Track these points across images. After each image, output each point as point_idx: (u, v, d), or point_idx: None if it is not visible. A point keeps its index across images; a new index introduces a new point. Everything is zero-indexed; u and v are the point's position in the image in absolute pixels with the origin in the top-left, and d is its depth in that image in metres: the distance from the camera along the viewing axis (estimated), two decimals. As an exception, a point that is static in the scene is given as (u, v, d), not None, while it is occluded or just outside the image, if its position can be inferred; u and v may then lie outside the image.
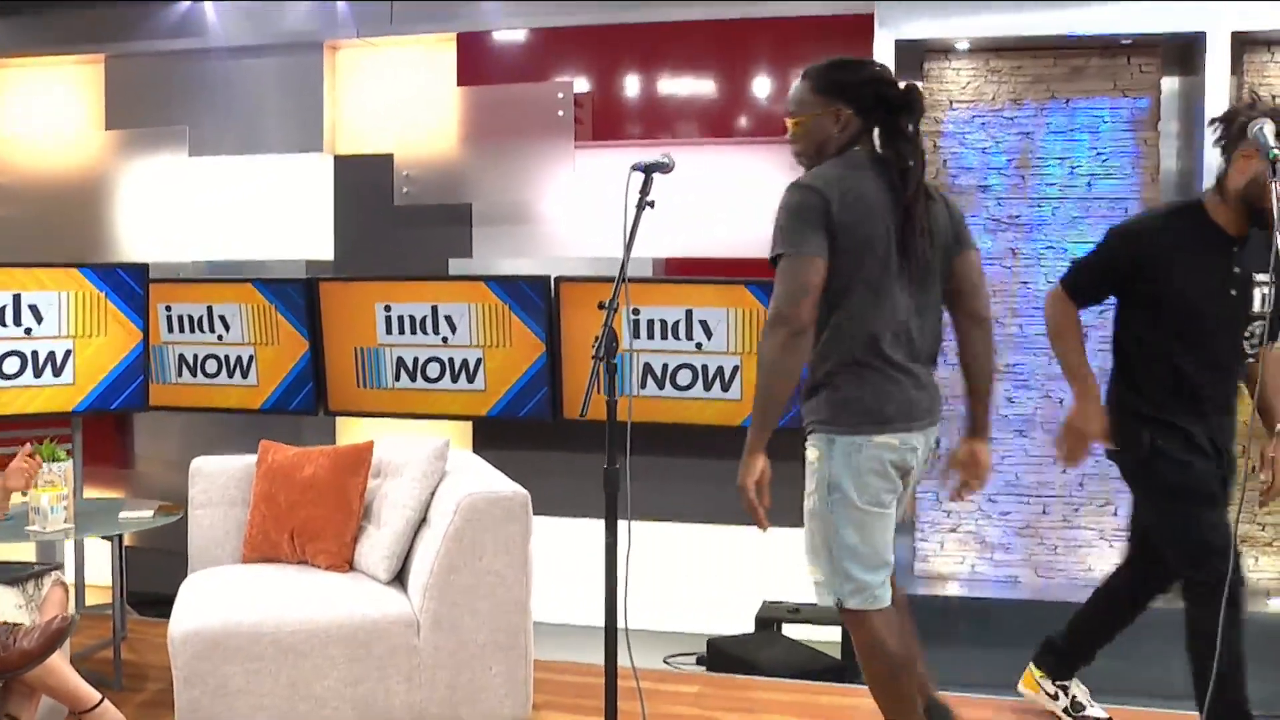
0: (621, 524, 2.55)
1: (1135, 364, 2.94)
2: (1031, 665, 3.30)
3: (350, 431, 5.20)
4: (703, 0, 4.77)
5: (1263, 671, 2.93)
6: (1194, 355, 2.82)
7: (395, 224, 5.18)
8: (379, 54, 5.25)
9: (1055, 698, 3.24)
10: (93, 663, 3.79)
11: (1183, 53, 4.52)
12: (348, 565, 3.34)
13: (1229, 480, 2.92)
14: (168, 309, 5.08)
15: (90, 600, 4.62)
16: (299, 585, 3.18)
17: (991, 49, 4.62)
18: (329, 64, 5.26)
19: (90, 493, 5.13)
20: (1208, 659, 2.63)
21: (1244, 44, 4.38)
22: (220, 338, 5.06)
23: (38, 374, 4.41)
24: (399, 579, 3.26)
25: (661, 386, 4.56)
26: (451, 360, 4.80)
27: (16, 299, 4.37)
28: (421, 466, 3.30)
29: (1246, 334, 2.84)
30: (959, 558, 4.74)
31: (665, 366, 4.55)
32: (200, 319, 5.07)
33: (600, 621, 2.59)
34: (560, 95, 4.90)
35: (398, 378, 4.87)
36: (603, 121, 4.97)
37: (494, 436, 4.96)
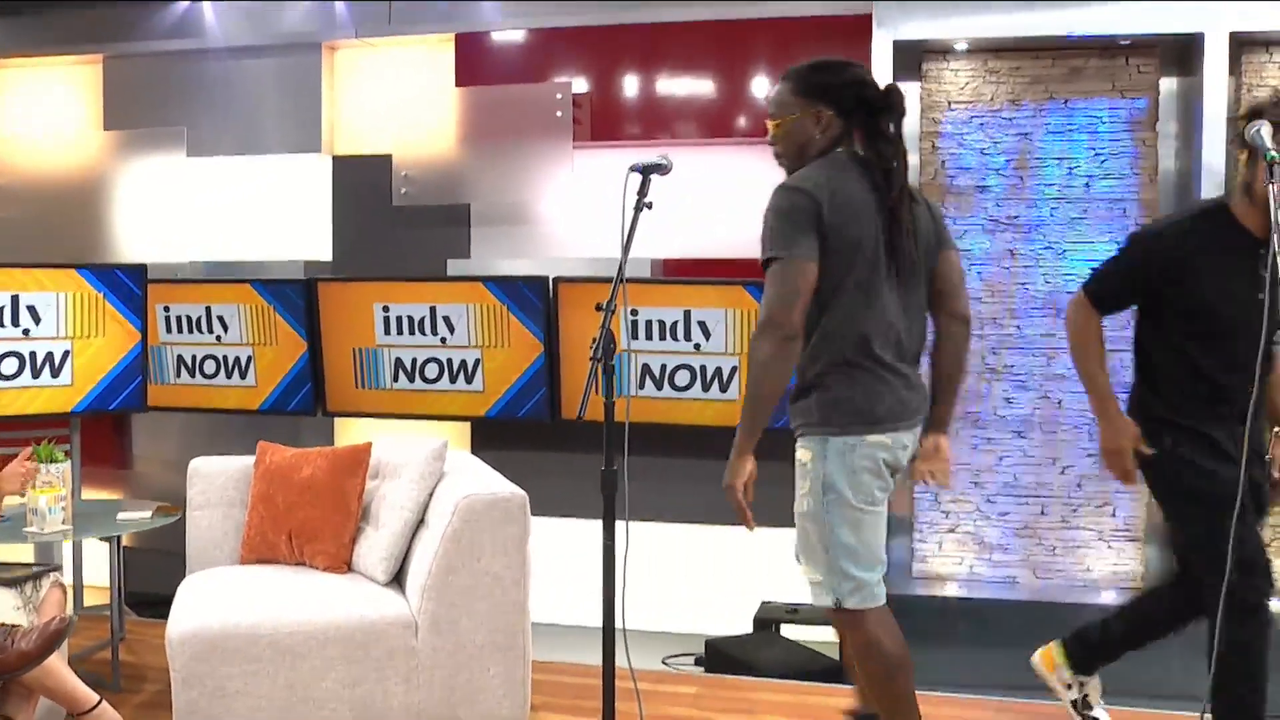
0: (619, 524, 2.55)
1: (1158, 369, 2.84)
2: (1056, 646, 3.16)
3: (349, 432, 5.20)
4: (701, 1, 4.77)
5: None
6: (1220, 360, 2.71)
7: (394, 224, 5.18)
8: (377, 54, 5.25)
9: (1068, 687, 3.12)
10: (91, 664, 3.79)
11: (1181, 53, 4.52)
12: (346, 566, 3.34)
13: (1262, 488, 2.81)
14: (166, 310, 5.07)
15: (88, 601, 4.62)
16: (297, 586, 3.18)
17: (990, 49, 4.62)
18: (327, 64, 5.26)
19: (88, 494, 5.13)
20: (1230, 674, 2.57)
21: (1242, 44, 4.38)
22: (218, 338, 5.06)
23: (36, 375, 4.41)
24: (397, 580, 3.26)
25: (660, 387, 4.56)
26: (450, 361, 4.80)
27: (15, 300, 4.36)
28: (419, 468, 3.30)
29: (1277, 339, 2.75)
30: (957, 558, 4.74)
31: (663, 367, 4.55)
32: (198, 320, 5.06)
33: (599, 622, 2.59)
34: (559, 96, 4.91)
35: (396, 378, 4.87)
36: (601, 122, 4.97)
37: (492, 437, 4.96)
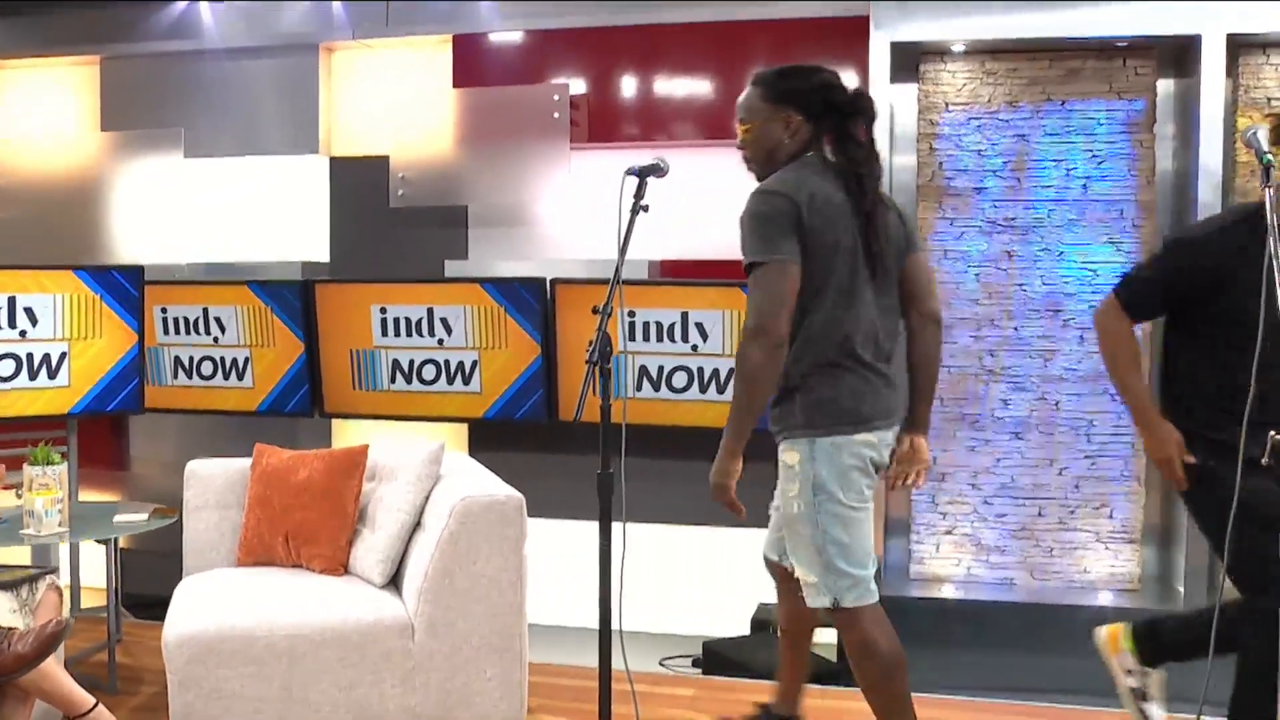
0: (616, 526, 2.56)
1: (1186, 379, 2.75)
2: (1126, 630, 3.00)
3: (346, 433, 5.19)
4: (698, 2, 4.76)
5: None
6: (1258, 368, 2.52)
7: (391, 226, 5.18)
8: (375, 55, 5.25)
9: (1129, 673, 2.96)
10: (87, 666, 3.79)
11: (1178, 55, 4.53)
12: (342, 569, 3.34)
13: None
14: (163, 311, 5.07)
15: (85, 603, 4.62)
16: (294, 589, 3.17)
17: (987, 51, 4.62)
18: (325, 65, 5.26)
19: (85, 495, 5.13)
20: (1251, 688, 2.53)
21: (1239, 46, 4.38)
22: (216, 340, 5.05)
23: (33, 376, 4.40)
24: (394, 583, 3.26)
25: (657, 389, 4.56)
26: (447, 362, 4.79)
27: (12, 301, 4.36)
28: (416, 470, 3.30)
29: None
30: (954, 560, 4.74)
31: (661, 368, 4.55)
32: (196, 321, 5.06)
33: (596, 624, 2.59)
34: (556, 97, 4.90)
35: (393, 380, 4.87)
36: (598, 123, 4.97)
37: (490, 438, 4.96)
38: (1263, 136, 2.49)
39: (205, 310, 5.04)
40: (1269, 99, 4.44)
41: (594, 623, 2.59)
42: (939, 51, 4.65)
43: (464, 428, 5.03)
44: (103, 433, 5.45)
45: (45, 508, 3.54)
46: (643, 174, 2.65)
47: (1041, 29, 4.37)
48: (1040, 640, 4.32)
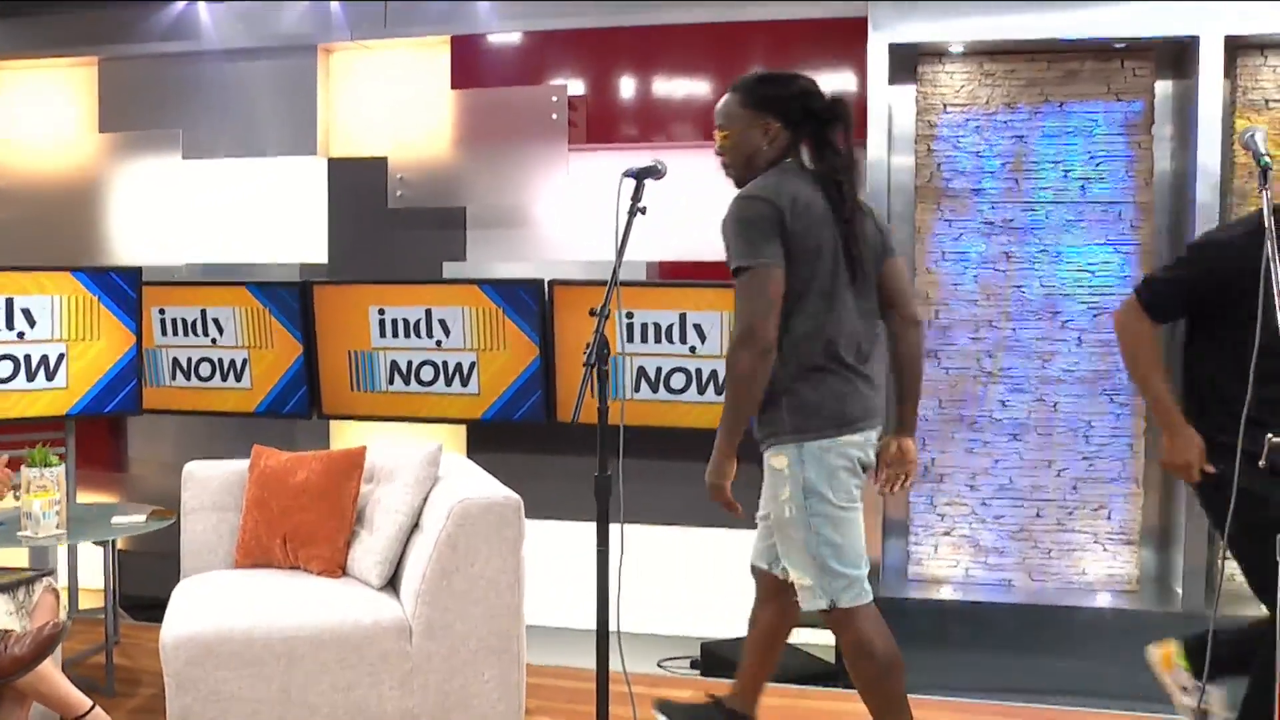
0: (614, 527, 2.57)
1: (1207, 385, 2.71)
2: (1177, 646, 2.93)
3: (344, 435, 5.19)
4: (697, 3, 4.77)
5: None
6: (1266, 375, 2.48)
7: (389, 227, 5.18)
8: (373, 57, 5.25)
9: (1184, 690, 2.88)
10: (85, 668, 3.78)
11: (1176, 56, 4.53)
12: (340, 570, 3.33)
13: None
14: (161, 312, 5.07)
15: (83, 605, 4.61)
16: (291, 591, 3.17)
17: (985, 52, 4.62)
18: (323, 67, 5.26)
19: (83, 497, 5.12)
20: (1261, 698, 2.50)
21: (1237, 48, 4.38)
22: (214, 341, 5.05)
23: (31, 378, 4.40)
24: (391, 584, 3.25)
25: (655, 390, 4.56)
26: (445, 364, 4.79)
27: (9, 303, 4.36)
28: (414, 471, 3.29)
29: None
30: (952, 561, 4.74)
31: (659, 370, 4.55)
32: (194, 322, 5.06)
33: (594, 625, 2.59)
34: (554, 98, 4.90)
35: (391, 381, 4.87)
36: (597, 125, 4.97)
37: (488, 440, 4.95)
38: (1260, 139, 2.48)
39: (203, 311, 5.03)
40: (1267, 100, 4.44)
41: (592, 624, 2.59)
42: (937, 53, 4.65)
43: (462, 429, 5.03)
44: (101, 434, 5.44)
45: (43, 510, 3.53)
46: (640, 176, 2.66)
47: (1039, 30, 4.37)
48: (1038, 641, 4.32)
